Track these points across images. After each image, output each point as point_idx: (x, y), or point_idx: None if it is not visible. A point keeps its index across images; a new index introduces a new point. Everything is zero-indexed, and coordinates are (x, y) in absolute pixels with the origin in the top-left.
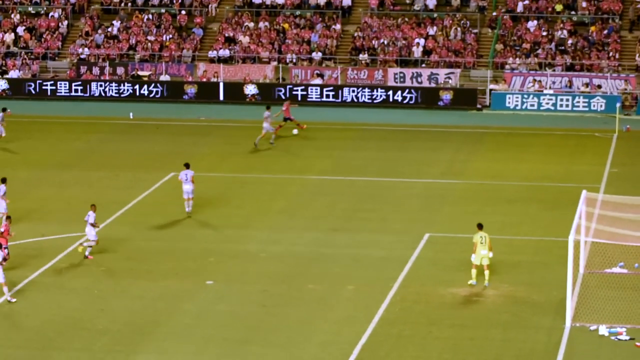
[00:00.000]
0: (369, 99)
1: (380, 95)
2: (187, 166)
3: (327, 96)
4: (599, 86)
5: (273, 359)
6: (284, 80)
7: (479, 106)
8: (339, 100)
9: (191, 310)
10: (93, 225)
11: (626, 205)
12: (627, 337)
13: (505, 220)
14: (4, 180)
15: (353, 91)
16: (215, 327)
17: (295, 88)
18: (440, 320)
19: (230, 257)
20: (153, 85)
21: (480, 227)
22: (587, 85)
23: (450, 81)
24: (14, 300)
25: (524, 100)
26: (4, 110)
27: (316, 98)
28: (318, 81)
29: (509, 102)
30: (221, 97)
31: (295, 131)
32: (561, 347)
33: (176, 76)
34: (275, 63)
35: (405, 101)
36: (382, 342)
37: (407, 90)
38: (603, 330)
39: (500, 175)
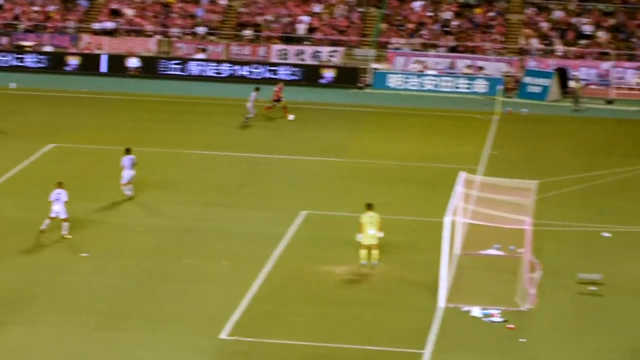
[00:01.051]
0: (250, 74)
1: (263, 72)
2: (128, 151)
3: (210, 71)
4: (482, 68)
5: (145, 333)
6: (167, 54)
7: (360, 85)
8: (222, 75)
9: (66, 282)
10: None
11: (504, 188)
12: (501, 319)
13: (383, 200)
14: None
15: (236, 66)
16: (89, 300)
17: (177, 62)
18: (314, 298)
19: (106, 229)
20: (36, 55)
21: (369, 207)
22: (469, 67)
23: (333, 59)
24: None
25: (407, 80)
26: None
27: (199, 72)
28: (201, 56)
29: (391, 82)
30: (104, 70)
31: (291, 117)
32: (433, 328)
33: (60, 47)
34: (159, 37)
35: (288, 78)
36: (255, 319)
37: (290, 67)
38: (476, 311)
39: (380, 155)
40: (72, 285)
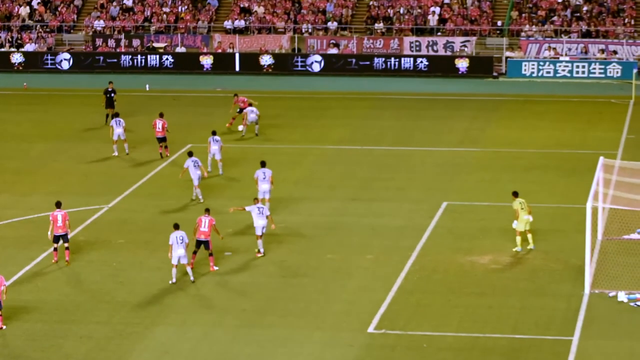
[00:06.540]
0: (385, 67)
1: (396, 64)
2: (263, 164)
3: (345, 65)
4: (615, 52)
5: (291, 330)
6: (299, 51)
7: (495, 74)
8: (357, 68)
9: (209, 280)
10: None
11: None
12: None
13: (522, 188)
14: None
15: (370, 60)
16: (234, 298)
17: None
18: (459, 289)
19: (247, 227)
20: (168, 56)
21: (515, 194)
22: (602, 51)
23: (466, 49)
24: None
25: (540, 67)
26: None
27: (334, 67)
28: (334, 51)
29: (525, 70)
30: (237, 68)
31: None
32: (580, 314)
33: (192, 47)
34: (290, 33)
35: (421, 70)
36: (400, 311)
37: (423, 59)
38: (622, 296)
39: (517, 143)
40: (215, 284)
